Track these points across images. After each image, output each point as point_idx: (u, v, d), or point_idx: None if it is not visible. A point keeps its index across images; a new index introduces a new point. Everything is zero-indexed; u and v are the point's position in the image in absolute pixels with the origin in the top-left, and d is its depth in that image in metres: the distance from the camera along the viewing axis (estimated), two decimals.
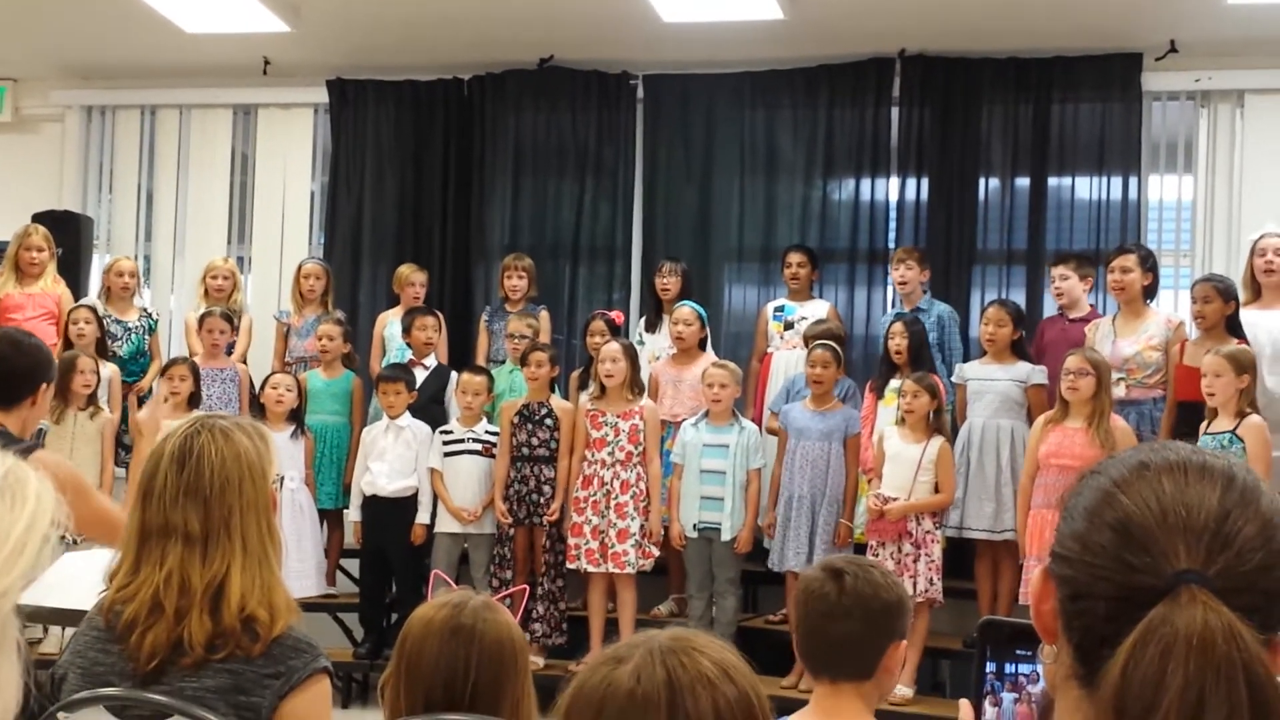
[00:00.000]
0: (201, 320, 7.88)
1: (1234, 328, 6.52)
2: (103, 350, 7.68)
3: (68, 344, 7.54)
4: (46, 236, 8.00)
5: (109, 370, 7.64)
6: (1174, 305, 7.70)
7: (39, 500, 0.84)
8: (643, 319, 8.09)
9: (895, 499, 6.57)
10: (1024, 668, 1.66)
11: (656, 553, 7.07)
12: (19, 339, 3.89)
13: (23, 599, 0.93)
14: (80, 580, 3.75)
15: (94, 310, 7.82)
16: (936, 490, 6.62)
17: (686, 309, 7.55)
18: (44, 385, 3.80)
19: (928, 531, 6.59)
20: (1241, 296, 6.80)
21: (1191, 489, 1.15)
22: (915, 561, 6.53)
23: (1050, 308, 7.83)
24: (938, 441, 6.62)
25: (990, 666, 1.67)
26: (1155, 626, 1.08)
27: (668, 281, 7.90)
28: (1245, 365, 6.09)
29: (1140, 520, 1.14)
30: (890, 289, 8.29)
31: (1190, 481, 1.16)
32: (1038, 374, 6.88)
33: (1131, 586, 1.12)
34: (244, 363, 8.05)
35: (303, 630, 2.49)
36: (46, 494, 0.84)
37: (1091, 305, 7.36)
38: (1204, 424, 6.18)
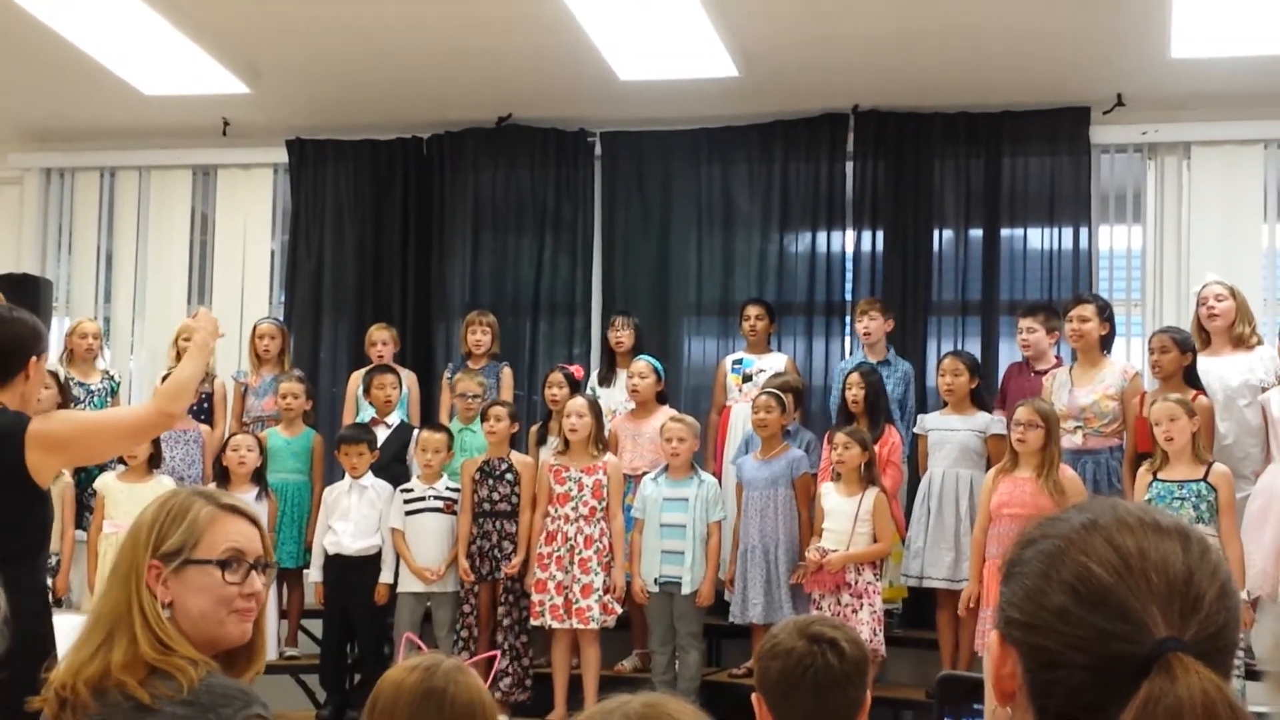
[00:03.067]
0: (164, 381, 7.84)
1: (1192, 379, 6.63)
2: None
3: None
4: (1, 299, 7.95)
5: None
6: (1126, 354, 7.81)
7: None
8: (595, 373, 8.13)
9: (834, 550, 6.64)
10: None
11: (620, 608, 7.08)
12: (3, 314, 3.79)
13: None
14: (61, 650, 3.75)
15: (54, 374, 7.78)
16: (875, 541, 6.69)
17: (642, 362, 7.60)
18: (34, 357, 3.70)
19: (869, 582, 6.66)
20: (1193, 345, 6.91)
21: (1152, 547, 1.14)
22: (855, 612, 6.59)
23: (1006, 357, 7.93)
24: (873, 492, 6.71)
25: None
26: (1157, 698, 1.08)
27: (620, 335, 7.95)
28: (1193, 410, 6.21)
29: (1103, 581, 1.13)
30: (848, 340, 8.38)
31: (1149, 539, 1.15)
32: (996, 424, 6.96)
33: (1111, 655, 1.11)
34: (209, 425, 8.02)
35: (267, 695, 2.44)
36: None
37: (1058, 358, 7.45)
38: (1144, 470, 6.27)
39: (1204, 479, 6.10)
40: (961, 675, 1.62)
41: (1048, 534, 1.20)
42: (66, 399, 7.68)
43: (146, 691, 2.23)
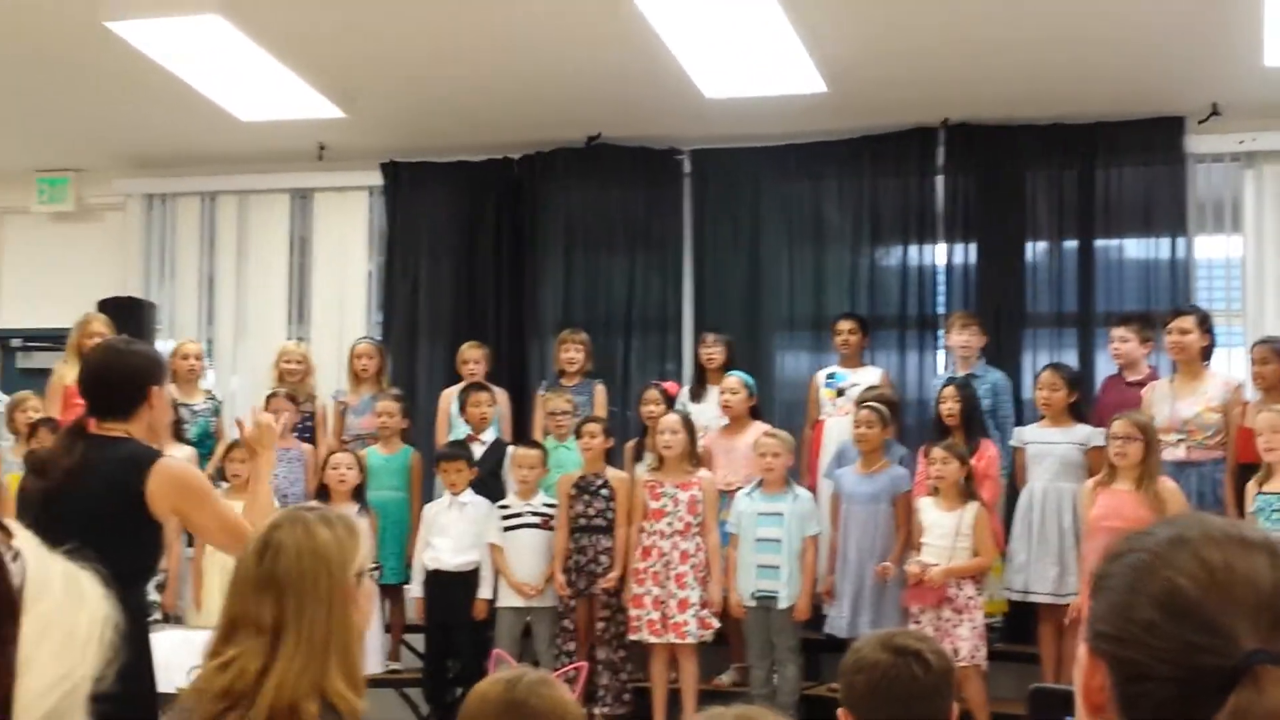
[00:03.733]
0: (267, 401, 8.00)
1: None
2: (178, 433, 7.82)
3: None
4: (107, 322, 8.12)
5: (186, 452, 7.77)
6: (1226, 364, 7.70)
7: (96, 597, 0.90)
8: (686, 389, 8.15)
9: (935, 565, 6.61)
10: None
11: (716, 623, 7.10)
12: (119, 346, 3.95)
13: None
14: (163, 664, 3.86)
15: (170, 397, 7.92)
16: (975, 556, 6.66)
17: (734, 378, 7.62)
18: (154, 386, 3.82)
19: (970, 597, 6.63)
20: None
21: (1239, 561, 1.15)
22: (956, 627, 6.56)
23: (1104, 369, 7.85)
24: (973, 507, 6.68)
25: None
26: (1245, 709, 1.08)
27: (712, 352, 7.98)
28: None
29: (1191, 594, 1.13)
30: (940, 353, 8.34)
31: (1236, 552, 1.15)
32: (1097, 436, 6.88)
33: (1199, 667, 1.11)
34: (312, 444, 8.15)
35: (371, 709, 2.52)
36: (99, 592, 0.91)
37: (1151, 367, 7.39)
38: (1252, 483, 6.18)
39: None
40: (1053, 687, 1.63)
41: (1134, 548, 1.21)
42: (179, 419, 7.85)
43: None
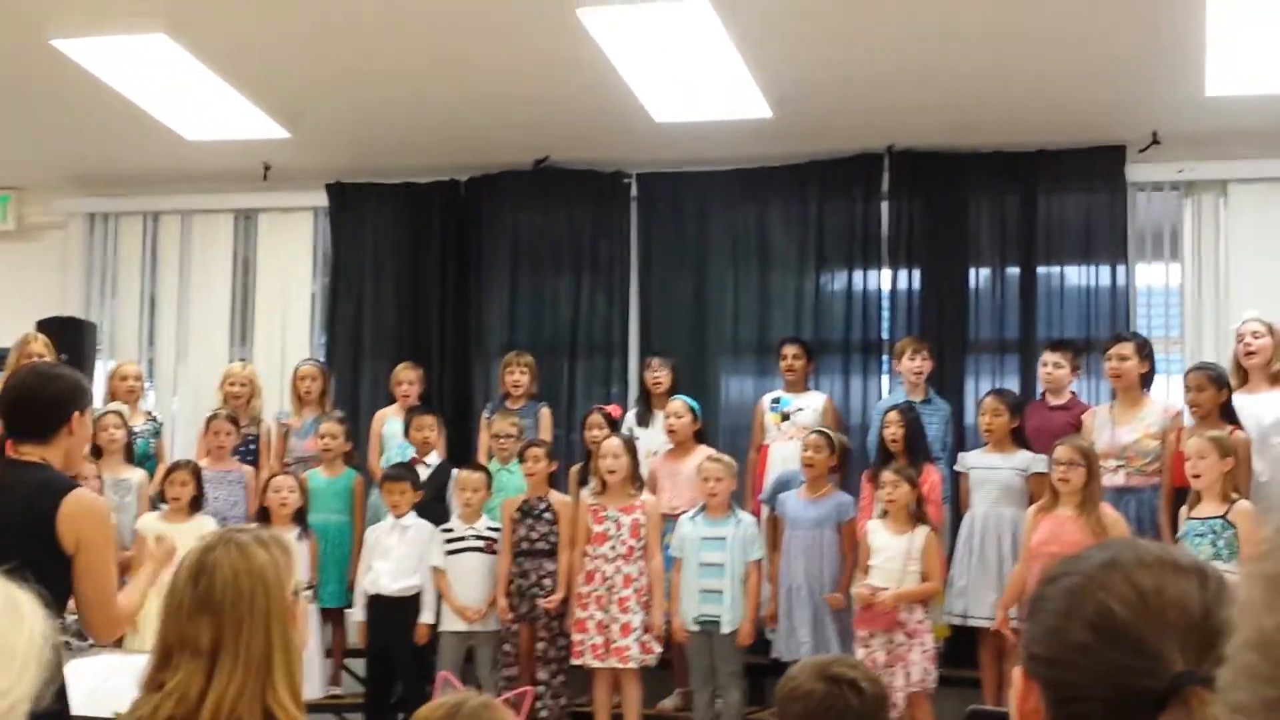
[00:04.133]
0: (208, 422, 7.94)
1: (1229, 415, 6.62)
2: (130, 456, 7.74)
3: (95, 452, 7.59)
4: (46, 343, 8.01)
5: (138, 476, 7.70)
6: (1165, 391, 7.79)
7: (35, 617, 0.90)
8: (633, 413, 8.16)
9: (885, 589, 6.63)
10: None
11: (659, 648, 7.09)
12: (45, 369, 3.88)
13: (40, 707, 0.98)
14: (97, 687, 3.81)
15: (121, 415, 7.86)
16: (924, 580, 6.68)
17: (678, 402, 7.63)
18: (77, 413, 3.74)
19: (920, 621, 6.65)
20: (1231, 383, 6.90)
21: (1171, 585, 1.17)
22: (909, 652, 6.58)
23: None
24: (923, 531, 6.71)
25: None
26: None
27: (658, 375, 7.99)
28: (1229, 449, 6.18)
29: (1124, 618, 1.16)
30: (886, 379, 8.38)
31: (1167, 577, 1.18)
32: (1038, 463, 6.92)
33: (1129, 689, 1.13)
34: (254, 467, 8.09)
35: None
36: (38, 610, 0.91)
37: (1073, 393, 7.47)
38: (1184, 508, 6.26)
39: (1224, 516, 6.07)
40: (989, 710, 1.64)
41: (1069, 572, 1.23)
42: (131, 440, 7.77)
43: None
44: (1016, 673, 1.24)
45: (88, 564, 3.61)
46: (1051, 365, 7.41)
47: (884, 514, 6.85)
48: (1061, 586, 1.22)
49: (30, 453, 3.70)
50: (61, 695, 3.49)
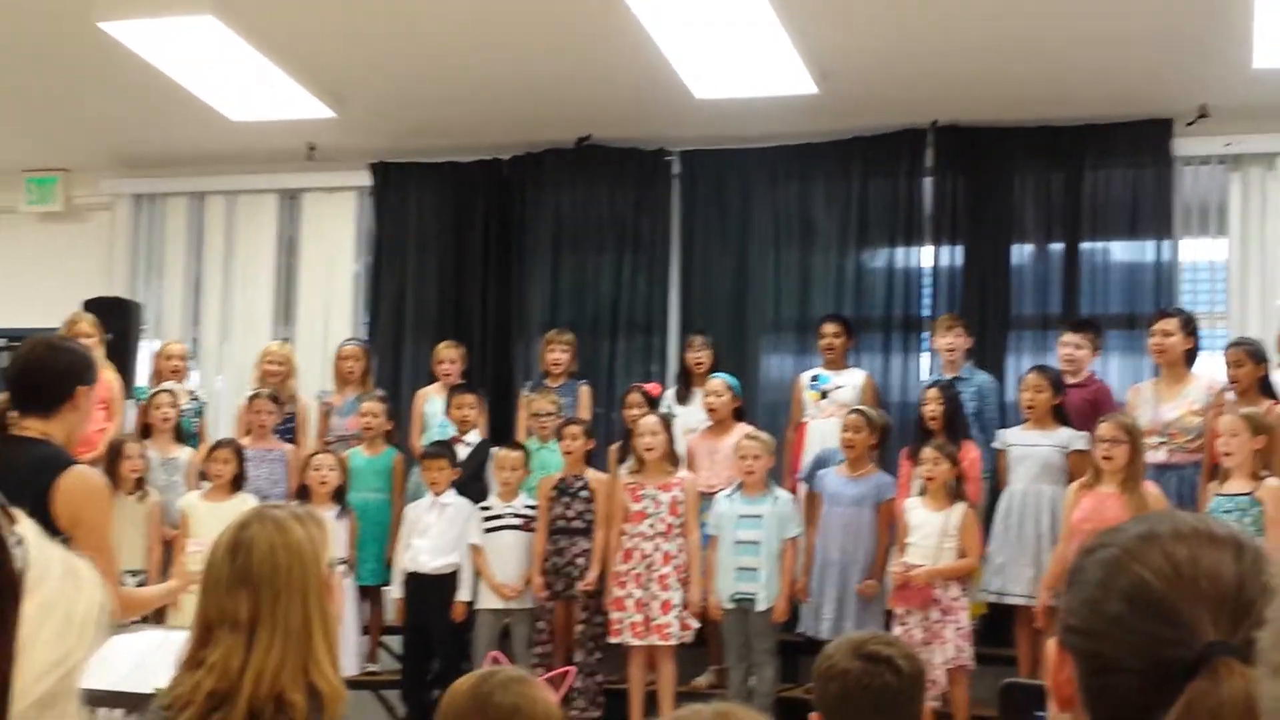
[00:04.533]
0: (250, 401, 8.00)
1: (1268, 390, 6.56)
2: (180, 436, 7.82)
3: (145, 431, 7.69)
4: (94, 322, 8.11)
5: (186, 454, 7.78)
6: (1211, 368, 7.71)
7: (93, 584, 0.92)
8: (673, 391, 8.16)
9: (921, 566, 6.62)
10: None
11: (696, 624, 7.10)
12: (53, 342, 3.83)
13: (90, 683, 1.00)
14: (138, 664, 3.85)
15: (173, 394, 7.94)
16: (961, 557, 6.67)
17: (718, 380, 7.62)
18: (81, 388, 3.70)
19: (955, 598, 6.63)
20: (1276, 358, 6.84)
21: (1205, 557, 1.17)
22: (944, 629, 6.56)
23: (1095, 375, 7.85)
24: (960, 508, 6.68)
25: None
26: (1199, 700, 1.10)
27: (699, 355, 7.98)
28: (1262, 426, 6.13)
29: (1158, 590, 1.16)
30: (926, 356, 8.34)
31: (1203, 549, 1.18)
32: (1079, 440, 6.88)
33: (1161, 659, 1.13)
34: (294, 444, 8.15)
35: (349, 712, 2.55)
36: (96, 580, 0.92)
37: (1091, 372, 7.45)
38: (1214, 484, 6.21)
39: (1251, 493, 6.02)
40: (1023, 682, 1.64)
41: (1106, 544, 1.23)
42: (179, 422, 7.87)
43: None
44: (1051, 644, 1.25)
45: (84, 542, 3.48)
46: (1072, 346, 7.36)
47: (923, 491, 6.82)
48: (1098, 558, 1.22)
49: (32, 427, 3.67)
50: None
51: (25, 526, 0.91)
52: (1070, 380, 7.32)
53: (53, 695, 0.84)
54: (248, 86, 8.03)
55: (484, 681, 2.52)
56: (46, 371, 3.70)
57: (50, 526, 3.39)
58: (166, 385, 8.14)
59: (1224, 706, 1.08)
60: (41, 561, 0.89)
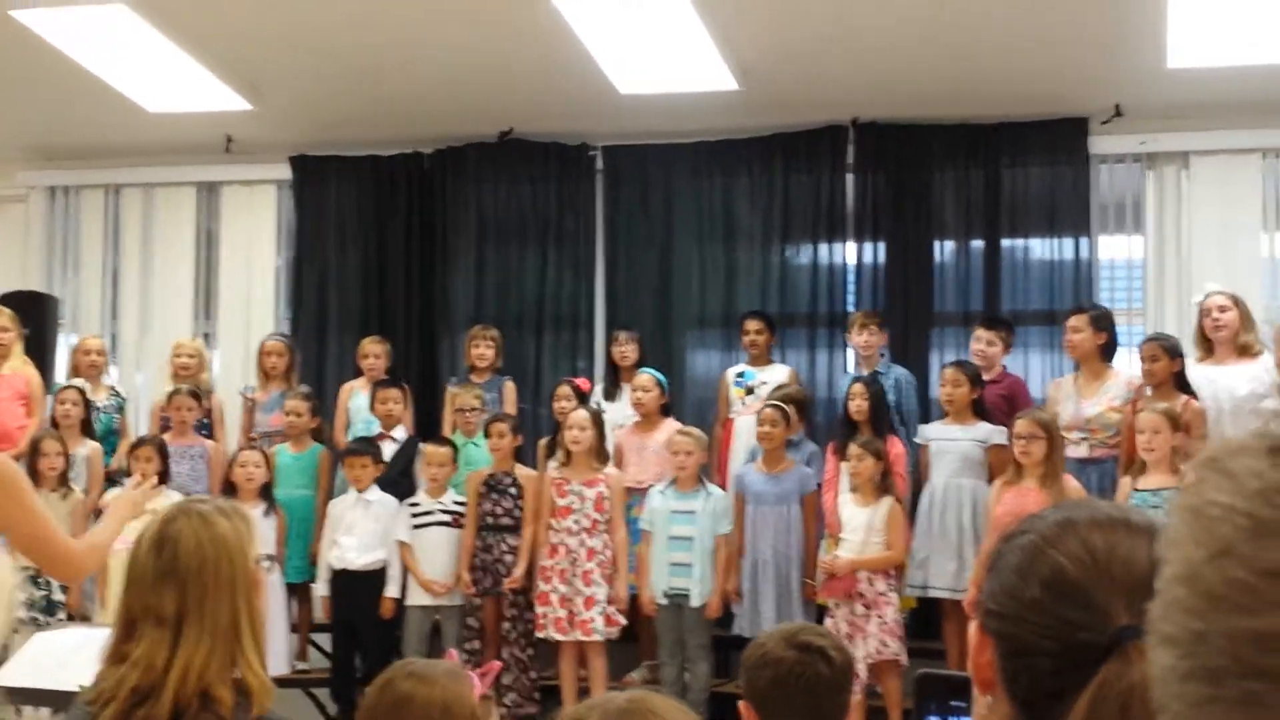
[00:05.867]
0: (169, 398, 7.92)
1: (1183, 385, 6.68)
2: (87, 430, 7.72)
3: (54, 424, 7.58)
4: (12, 317, 8.00)
5: (88, 448, 7.67)
6: (1128, 363, 7.85)
7: (4, 566, 0.91)
8: (600, 387, 8.17)
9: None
10: None
11: (623, 620, 7.11)
12: None
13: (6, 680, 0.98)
14: (63, 661, 3.79)
15: (80, 390, 7.84)
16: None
17: (645, 376, 7.64)
18: None
19: (880, 593, 6.70)
20: (1195, 354, 6.97)
21: (1121, 544, 1.20)
22: (866, 623, 6.63)
23: (1009, 367, 7.95)
24: (887, 502, 6.76)
25: None
26: (1110, 682, 1.13)
27: (625, 349, 8.00)
28: (1179, 423, 6.25)
29: (1073, 575, 1.19)
30: (849, 352, 8.41)
31: (1119, 536, 1.21)
32: (998, 434, 6.98)
33: (1075, 643, 1.16)
34: (213, 439, 8.08)
35: (279, 713, 2.53)
36: (5, 559, 0.92)
37: (1003, 367, 7.59)
38: (1126, 478, 6.32)
39: (1176, 487, 6.13)
40: (938, 673, 1.65)
41: (1025, 531, 1.26)
42: (89, 415, 7.76)
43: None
44: (972, 628, 1.28)
45: (8, 518, 3.51)
46: (985, 343, 7.49)
47: (853, 487, 6.89)
48: (1017, 544, 1.25)
49: None
50: None
51: None
52: (985, 377, 7.42)
53: None
54: (164, 78, 7.93)
55: (393, 671, 2.56)
56: None
57: None
58: (74, 381, 8.04)
59: (1134, 687, 1.12)
60: None
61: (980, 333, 7.56)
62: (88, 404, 7.80)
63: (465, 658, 7.11)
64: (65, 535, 3.64)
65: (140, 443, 7.45)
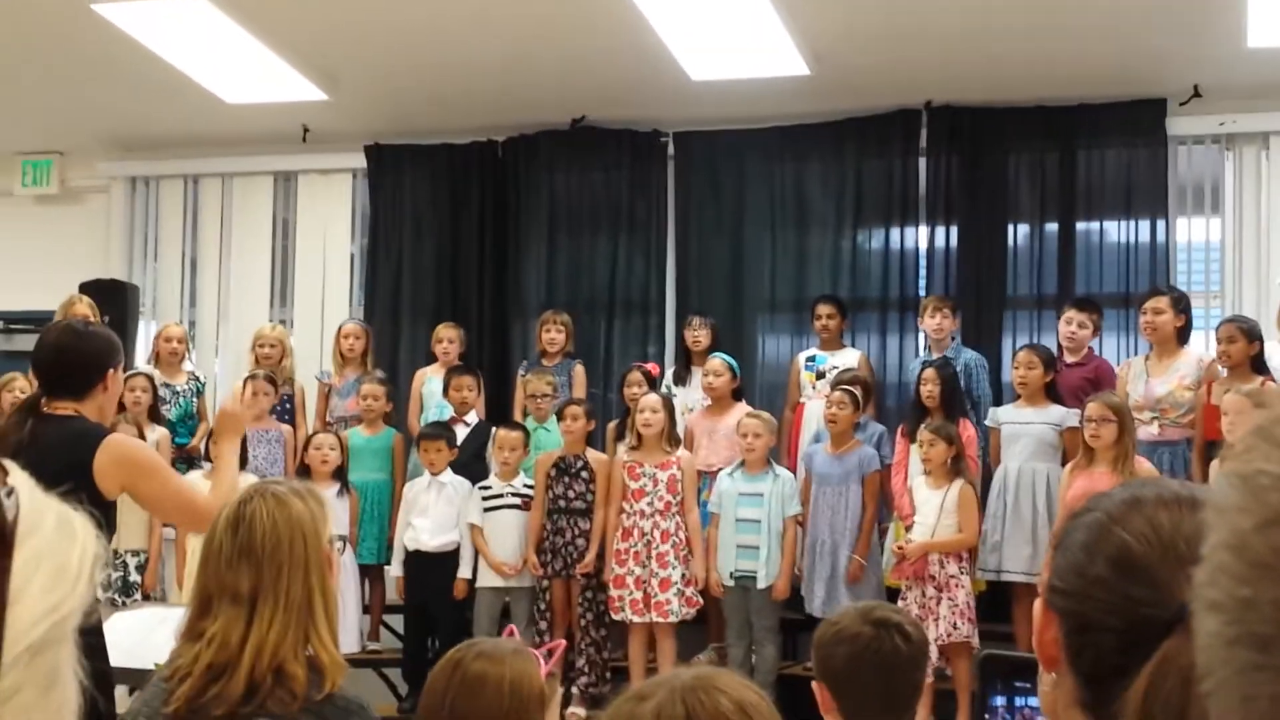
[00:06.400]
0: (246, 383, 8.02)
1: (1259, 367, 6.59)
2: (155, 415, 7.84)
3: (121, 409, 7.71)
4: (91, 305, 8.13)
5: (158, 434, 7.79)
6: (1205, 346, 7.75)
7: (87, 535, 0.94)
8: (671, 371, 8.19)
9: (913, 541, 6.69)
10: (1033, 700, 1.74)
11: (700, 600, 7.15)
12: (79, 328, 3.99)
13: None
14: (140, 641, 3.88)
15: (149, 378, 7.97)
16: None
17: (717, 360, 7.65)
18: (111, 370, 3.86)
19: (951, 575, 6.68)
20: (1276, 335, 6.87)
21: (1186, 521, 1.20)
22: (938, 605, 6.61)
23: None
24: (958, 485, 6.73)
25: (1000, 701, 1.75)
26: (1172, 657, 1.13)
27: (698, 334, 8.01)
28: (1264, 404, 6.15)
29: (1139, 553, 1.19)
30: (921, 336, 8.38)
31: (1184, 514, 1.21)
32: (1071, 417, 6.91)
33: (1138, 619, 1.16)
34: (291, 425, 8.18)
35: (351, 690, 2.58)
36: (91, 531, 0.95)
37: (1090, 349, 7.49)
38: (1215, 462, 6.23)
39: None
40: (1001, 653, 1.66)
41: (1092, 509, 1.27)
42: (156, 401, 7.89)
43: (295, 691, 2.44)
44: (1037, 605, 1.29)
45: (149, 492, 3.78)
46: (1076, 325, 7.39)
47: (926, 471, 6.88)
48: (1084, 522, 1.26)
49: (64, 407, 3.80)
50: (101, 653, 3.57)
51: (18, 478, 0.94)
52: (1070, 359, 7.36)
53: (44, 642, 0.87)
54: (241, 69, 8.04)
55: (461, 652, 2.57)
56: (77, 357, 3.84)
57: (96, 497, 3.56)
58: (143, 369, 8.18)
59: (1195, 662, 1.12)
60: (33, 512, 0.91)
61: (1072, 314, 7.47)
62: (155, 390, 7.92)
63: (536, 639, 7.16)
64: (199, 492, 3.81)
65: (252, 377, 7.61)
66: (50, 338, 3.96)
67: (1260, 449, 0.76)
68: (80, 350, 3.84)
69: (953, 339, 7.77)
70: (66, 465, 3.61)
